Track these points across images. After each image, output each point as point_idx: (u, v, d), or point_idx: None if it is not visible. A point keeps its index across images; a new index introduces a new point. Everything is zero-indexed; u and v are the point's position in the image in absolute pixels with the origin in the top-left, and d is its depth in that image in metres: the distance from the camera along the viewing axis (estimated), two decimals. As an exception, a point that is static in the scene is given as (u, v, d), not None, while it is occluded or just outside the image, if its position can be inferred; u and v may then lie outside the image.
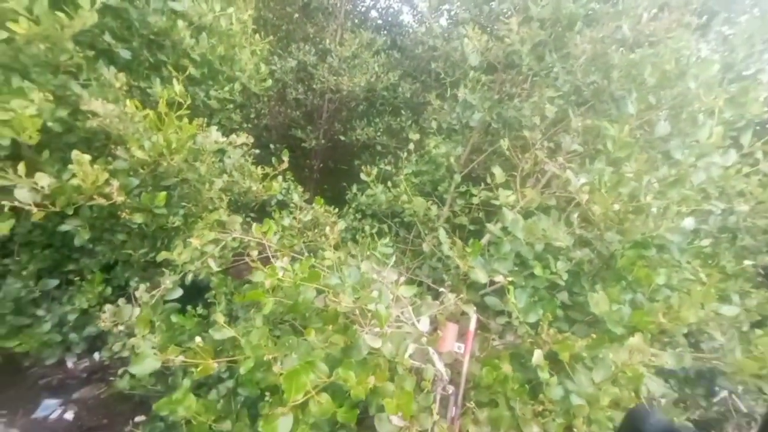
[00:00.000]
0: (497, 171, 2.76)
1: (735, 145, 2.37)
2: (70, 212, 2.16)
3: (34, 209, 1.91)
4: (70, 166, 2.06)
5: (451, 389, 1.67)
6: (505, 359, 1.69)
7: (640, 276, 2.05)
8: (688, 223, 1.97)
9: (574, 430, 1.39)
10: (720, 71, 2.53)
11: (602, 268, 2.34)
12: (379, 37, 6.02)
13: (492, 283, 2.22)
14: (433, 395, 1.61)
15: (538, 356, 1.57)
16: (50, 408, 2.96)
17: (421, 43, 5.60)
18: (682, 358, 1.58)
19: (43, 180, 1.92)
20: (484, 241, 2.79)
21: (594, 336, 1.66)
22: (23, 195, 1.89)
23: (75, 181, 2.06)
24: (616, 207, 1.95)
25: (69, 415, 2.94)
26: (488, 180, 2.88)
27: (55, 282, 2.64)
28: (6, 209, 1.92)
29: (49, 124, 2.17)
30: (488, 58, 3.36)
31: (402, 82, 5.76)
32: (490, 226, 2.31)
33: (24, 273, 2.51)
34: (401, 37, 6.70)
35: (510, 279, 2.02)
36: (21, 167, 1.89)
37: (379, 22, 7.09)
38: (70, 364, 3.18)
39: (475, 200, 3.22)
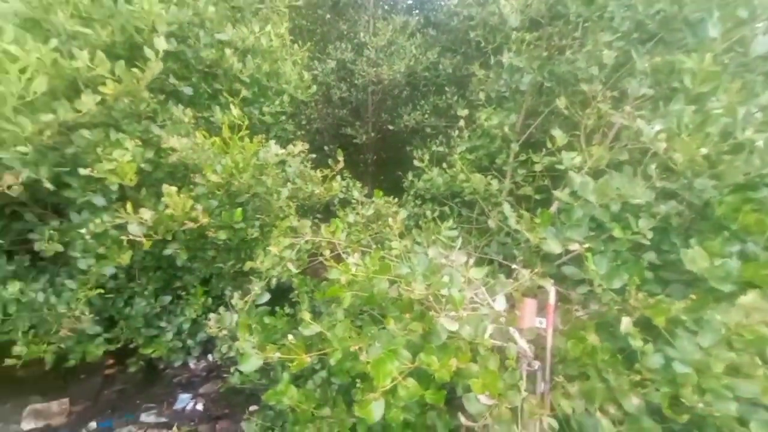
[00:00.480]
0: (557, 133, 2.58)
1: None
2: (169, 238, 2.49)
3: (144, 239, 2.25)
4: (162, 199, 2.38)
5: (537, 365, 1.65)
6: (591, 329, 1.61)
7: (749, 223, 1.78)
8: (805, 153, 1.67)
9: (682, 400, 1.28)
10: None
11: (695, 220, 2.09)
12: (412, 18, 5.89)
13: (567, 252, 2.11)
14: (518, 372, 1.61)
15: (626, 324, 1.46)
16: (185, 401, 3.55)
17: (456, 14, 5.36)
18: (814, 312, 1.36)
19: (146, 214, 2.25)
20: (552, 209, 2.64)
21: (694, 297, 1.51)
22: (134, 229, 2.24)
23: (169, 211, 2.38)
24: (704, 150, 1.72)
25: (200, 407, 3.51)
26: (549, 144, 2.71)
27: (168, 298, 3.12)
28: (125, 242, 2.30)
29: (142, 165, 2.52)
30: (529, 14, 3.12)
31: (441, 58, 5.59)
32: (557, 192, 2.18)
33: (146, 293, 3.01)
34: (434, 13, 6.48)
35: (587, 245, 1.90)
36: (129, 206, 2.24)
37: (410, 2, 6.92)
38: (192, 364, 3.74)
39: (538, 167, 3.05)
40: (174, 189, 2.38)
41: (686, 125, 1.86)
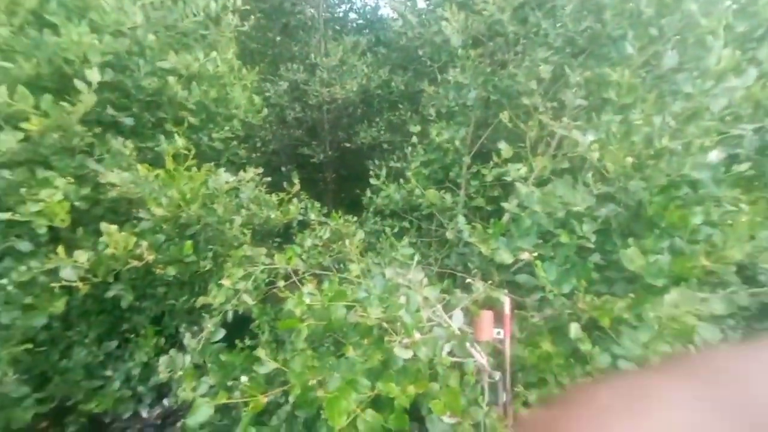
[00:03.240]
0: (503, 146, 2.70)
1: (755, 60, 2.18)
2: (111, 279, 2.32)
3: (80, 284, 2.08)
4: (101, 238, 2.22)
5: (497, 375, 1.66)
6: (545, 337, 1.66)
7: (674, 219, 1.93)
8: (714, 156, 1.84)
9: (627, 397, 1.34)
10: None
11: (632, 220, 2.23)
12: (362, 37, 6.00)
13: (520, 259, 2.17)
14: (480, 385, 1.62)
15: (575, 330, 1.52)
16: (134, 457, 3.20)
17: (404, 33, 5.53)
18: (733, 301, 1.48)
19: (82, 257, 2.08)
20: (505, 219, 2.73)
21: (633, 295, 1.59)
22: (68, 273, 2.07)
23: (109, 251, 2.22)
24: (630, 160, 1.85)
25: (153, 459, 3.19)
26: (496, 157, 2.82)
27: (114, 343, 2.87)
28: (56, 288, 2.11)
29: (76, 203, 2.34)
30: (471, 33, 3.27)
31: (393, 75, 5.71)
32: (505, 204, 2.26)
33: (86, 341, 2.75)
34: (384, 32, 6.64)
35: (536, 254, 1.97)
36: (60, 249, 2.06)
37: (360, 22, 7.06)
38: (144, 413, 3.41)
39: (489, 178, 3.16)
40: (114, 227, 2.23)
41: (614, 135, 2.00)
